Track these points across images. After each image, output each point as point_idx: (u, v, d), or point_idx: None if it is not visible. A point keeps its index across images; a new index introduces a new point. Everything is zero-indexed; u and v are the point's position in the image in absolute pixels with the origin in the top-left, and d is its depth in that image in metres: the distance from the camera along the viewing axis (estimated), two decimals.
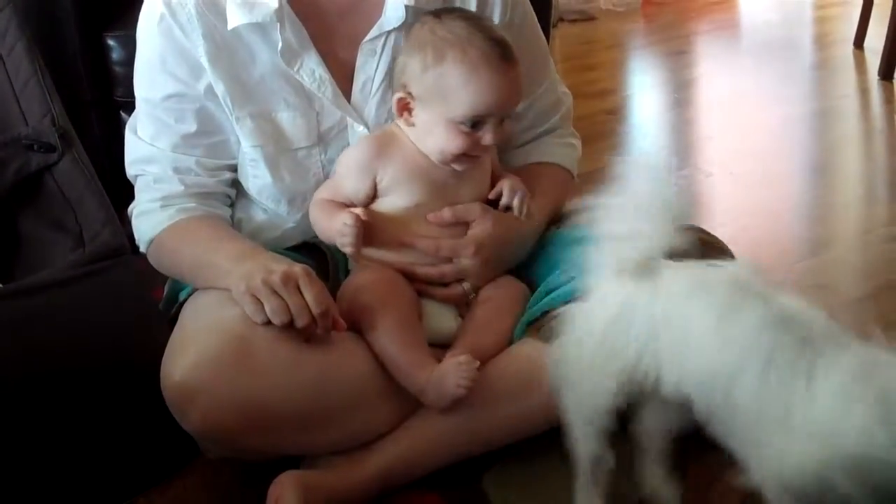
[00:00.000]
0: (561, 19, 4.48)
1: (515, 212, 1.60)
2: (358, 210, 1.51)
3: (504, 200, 1.59)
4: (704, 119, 3.39)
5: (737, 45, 4.34)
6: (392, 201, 1.56)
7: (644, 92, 3.73)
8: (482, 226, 1.56)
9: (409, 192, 1.56)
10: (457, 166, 1.54)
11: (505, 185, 1.60)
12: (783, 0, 4.97)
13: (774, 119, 3.25)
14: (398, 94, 1.52)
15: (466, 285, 1.57)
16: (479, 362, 1.43)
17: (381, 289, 1.51)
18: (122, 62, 2.19)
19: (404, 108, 1.53)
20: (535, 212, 1.62)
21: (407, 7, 1.54)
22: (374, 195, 1.56)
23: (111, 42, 2.24)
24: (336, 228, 1.51)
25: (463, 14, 1.54)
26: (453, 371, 1.42)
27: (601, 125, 3.22)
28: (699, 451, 1.56)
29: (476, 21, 1.51)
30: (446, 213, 1.55)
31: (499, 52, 1.48)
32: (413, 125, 1.54)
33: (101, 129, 2.21)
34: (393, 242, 1.56)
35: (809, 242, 2.40)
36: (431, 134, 1.52)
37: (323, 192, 1.59)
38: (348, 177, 1.56)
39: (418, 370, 1.45)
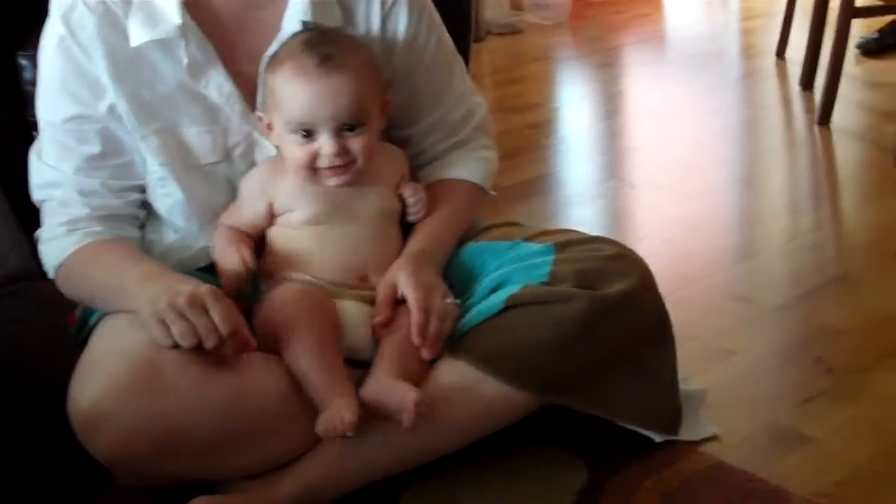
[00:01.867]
0: (489, 32, 4.49)
1: (411, 212, 1.63)
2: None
3: (404, 194, 1.62)
4: (630, 131, 3.41)
5: (663, 56, 4.38)
6: (289, 219, 1.58)
7: (571, 105, 3.74)
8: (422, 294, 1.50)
9: (303, 209, 1.57)
10: (326, 182, 1.54)
11: (409, 187, 1.63)
12: (709, 12, 5.02)
13: (699, 130, 3.28)
14: (258, 113, 1.56)
15: None
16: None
17: (300, 306, 1.49)
18: (35, 82, 2.13)
19: (267, 127, 1.56)
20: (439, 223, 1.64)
21: (304, 22, 1.54)
22: (271, 216, 1.58)
23: (23, 62, 2.18)
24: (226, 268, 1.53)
25: (310, 31, 1.54)
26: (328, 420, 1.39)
27: (526, 139, 3.23)
28: (617, 465, 1.57)
29: (314, 36, 1.53)
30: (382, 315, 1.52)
31: (314, 62, 1.49)
32: (277, 143, 1.57)
33: (12, 150, 2.16)
34: (301, 255, 1.56)
35: (733, 253, 2.41)
36: (284, 148, 1.55)
37: (226, 218, 1.60)
38: (246, 202, 1.59)
39: (331, 393, 1.42)
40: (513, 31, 4.56)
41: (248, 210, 1.58)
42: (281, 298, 1.51)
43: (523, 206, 2.70)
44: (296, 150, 1.53)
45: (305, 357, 1.45)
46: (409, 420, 1.39)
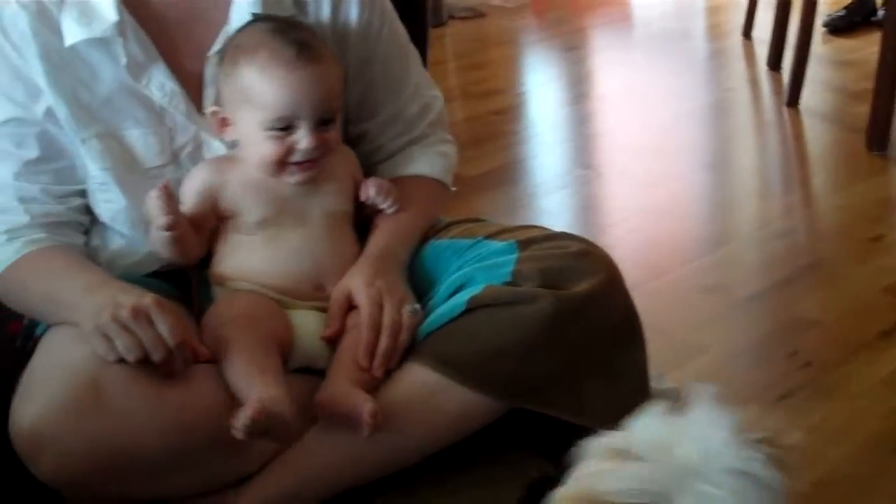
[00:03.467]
0: (451, 17, 4.43)
1: (384, 206, 1.55)
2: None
3: (369, 198, 1.54)
4: (597, 116, 3.36)
5: (629, 38, 4.33)
6: (238, 223, 1.50)
7: (536, 90, 3.68)
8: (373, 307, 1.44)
9: (252, 211, 1.49)
10: (290, 178, 1.48)
11: (370, 184, 1.55)
12: None
13: (666, 114, 3.23)
14: (212, 109, 1.48)
15: None
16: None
17: (240, 322, 1.41)
18: None
19: (221, 123, 1.48)
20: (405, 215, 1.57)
21: (254, 15, 1.47)
22: (215, 217, 1.50)
23: None
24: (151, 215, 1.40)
25: (271, 18, 1.48)
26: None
27: (491, 126, 3.17)
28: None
29: (280, 23, 1.46)
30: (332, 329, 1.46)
31: (293, 52, 1.42)
32: (235, 139, 1.49)
33: None
34: (252, 263, 1.48)
35: (702, 241, 2.37)
36: (249, 144, 1.47)
37: None
38: (188, 199, 1.50)
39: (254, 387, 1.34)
40: (475, 14, 4.50)
41: (188, 208, 1.48)
42: (223, 313, 1.44)
43: (488, 197, 2.65)
44: (268, 145, 1.45)
45: (237, 366, 1.37)
46: (366, 431, 1.33)
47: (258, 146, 1.46)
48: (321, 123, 1.45)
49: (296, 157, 1.46)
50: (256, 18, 1.48)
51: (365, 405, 1.34)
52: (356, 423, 1.34)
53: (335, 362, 1.43)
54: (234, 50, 1.45)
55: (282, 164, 1.46)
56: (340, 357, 1.43)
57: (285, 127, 1.44)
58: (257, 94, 1.43)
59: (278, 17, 1.48)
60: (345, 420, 1.35)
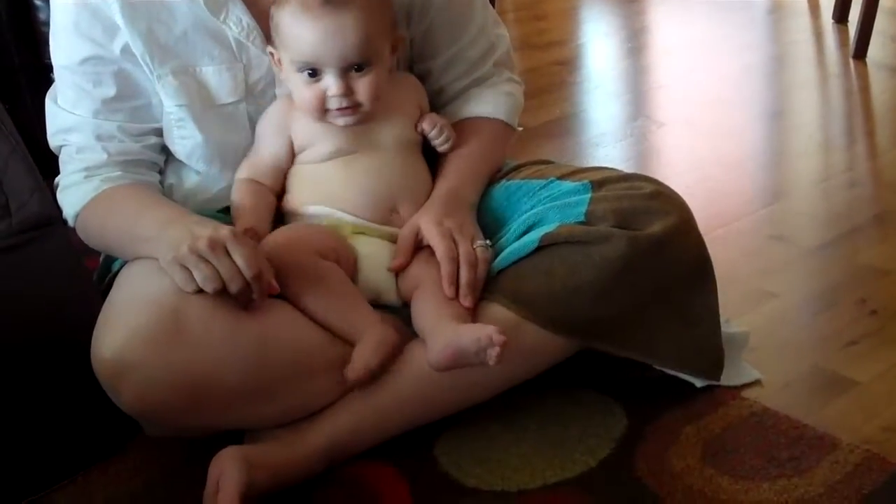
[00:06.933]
0: None
1: (437, 141, 1.58)
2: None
3: (423, 132, 1.57)
4: (658, 67, 3.33)
5: None
6: (310, 155, 1.53)
7: (596, 41, 3.66)
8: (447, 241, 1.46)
9: (324, 143, 1.52)
10: (335, 122, 1.50)
11: (425, 119, 1.58)
12: None
13: (729, 66, 3.20)
14: (269, 49, 1.51)
15: None
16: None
17: (301, 258, 1.43)
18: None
19: (278, 63, 1.50)
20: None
21: None
22: (293, 154, 1.54)
23: (38, 2, 2.15)
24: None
25: None
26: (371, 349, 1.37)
27: (552, 76, 3.16)
28: (657, 411, 1.52)
29: None
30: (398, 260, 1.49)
31: None
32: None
33: (31, 92, 2.12)
34: (328, 189, 1.52)
35: (767, 191, 2.35)
36: (291, 86, 1.50)
37: (243, 172, 1.55)
38: (265, 140, 1.54)
39: (359, 330, 1.40)
40: None
41: (266, 151, 1.53)
42: (280, 241, 1.45)
43: (550, 146, 2.63)
44: (303, 90, 1.48)
45: (321, 305, 1.41)
46: (495, 356, 1.32)
47: (297, 89, 1.49)
48: (351, 69, 1.46)
49: (330, 105, 1.47)
50: None
51: (483, 331, 1.33)
52: (482, 355, 1.33)
53: (427, 318, 1.42)
54: None
55: (321, 109, 1.48)
56: (428, 309, 1.43)
57: (314, 72, 1.46)
58: (288, 38, 1.45)
59: None
60: (469, 358, 1.34)
